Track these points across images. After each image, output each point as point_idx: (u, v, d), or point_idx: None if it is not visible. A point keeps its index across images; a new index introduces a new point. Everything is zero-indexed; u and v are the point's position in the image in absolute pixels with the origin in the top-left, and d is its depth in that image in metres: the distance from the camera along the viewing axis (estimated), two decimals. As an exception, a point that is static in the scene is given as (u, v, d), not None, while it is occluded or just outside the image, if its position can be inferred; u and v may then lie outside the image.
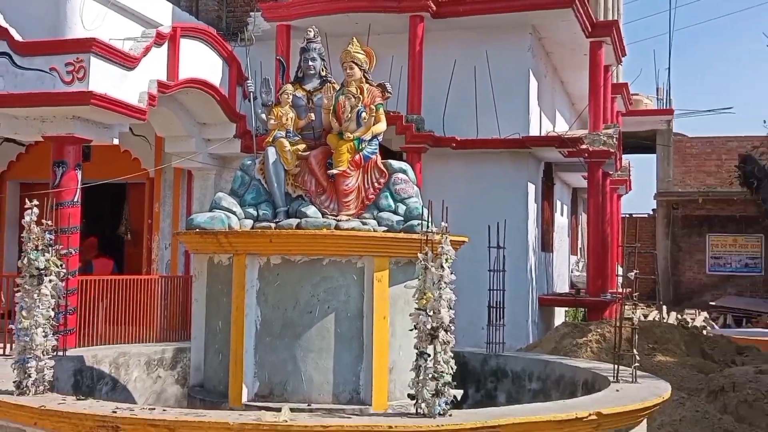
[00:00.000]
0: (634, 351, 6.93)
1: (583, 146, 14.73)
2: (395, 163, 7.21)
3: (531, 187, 15.00)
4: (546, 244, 16.75)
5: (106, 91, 10.28)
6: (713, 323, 21.89)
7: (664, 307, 23.10)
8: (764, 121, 43.34)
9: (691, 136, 28.23)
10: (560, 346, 10.75)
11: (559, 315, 17.27)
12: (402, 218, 6.78)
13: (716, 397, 8.77)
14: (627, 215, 27.32)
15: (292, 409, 5.15)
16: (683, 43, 73.41)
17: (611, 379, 6.70)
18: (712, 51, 79.08)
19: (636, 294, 8.25)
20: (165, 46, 11.68)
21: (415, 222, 6.56)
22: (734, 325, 22.10)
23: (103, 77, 10.30)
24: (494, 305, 8.51)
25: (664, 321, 18.15)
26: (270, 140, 7.11)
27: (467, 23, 14.61)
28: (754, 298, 24.73)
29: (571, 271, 20.81)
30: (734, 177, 18.65)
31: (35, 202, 5.71)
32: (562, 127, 18.18)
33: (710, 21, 69.86)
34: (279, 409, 5.24)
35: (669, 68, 40.67)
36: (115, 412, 4.97)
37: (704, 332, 14.46)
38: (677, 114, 27.52)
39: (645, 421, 6.34)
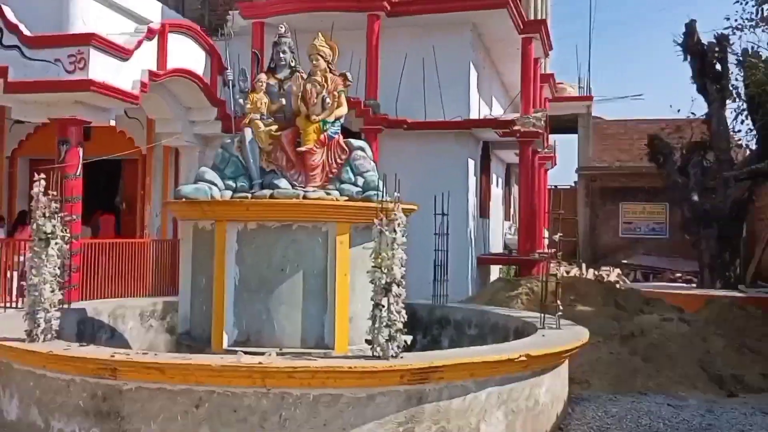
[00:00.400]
0: (558, 302, 7.06)
1: (516, 127, 14.82)
2: (355, 142, 7.21)
3: (471, 163, 15.07)
4: (484, 211, 16.88)
5: (104, 79, 10.19)
6: (625, 279, 22.21)
7: (584, 265, 23.37)
8: (670, 106, 43.96)
9: (608, 118, 28.36)
10: (495, 298, 10.74)
11: (494, 272, 17.44)
12: (361, 189, 6.80)
13: (627, 341, 8.83)
14: (552, 187, 27.48)
15: (264, 354, 5.17)
16: (602, 38, 73.87)
17: (538, 326, 6.81)
18: (627, 46, 79.77)
19: (560, 254, 8.41)
20: (155, 40, 11.50)
21: (372, 192, 6.59)
22: (642, 280, 22.43)
23: (101, 67, 10.18)
24: (439, 264, 8.58)
25: (584, 277, 18.43)
26: (247, 122, 7.08)
27: (417, 21, 14.55)
28: (659, 257, 25.07)
29: (505, 235, 20.96)
30: (644, 154, 18.85)
31: (42, 175, 5.66)
32: (497, 111, 18.25)
33: (626, 20, 70.43)
34: (256, 353, 5.28)
35: (589, 61, 41.01)
36: (113, 356, 4.97)
37: (617, 286, 14.69)
38: (596, 100, 27.71)
39: (567, 361, 6.48)
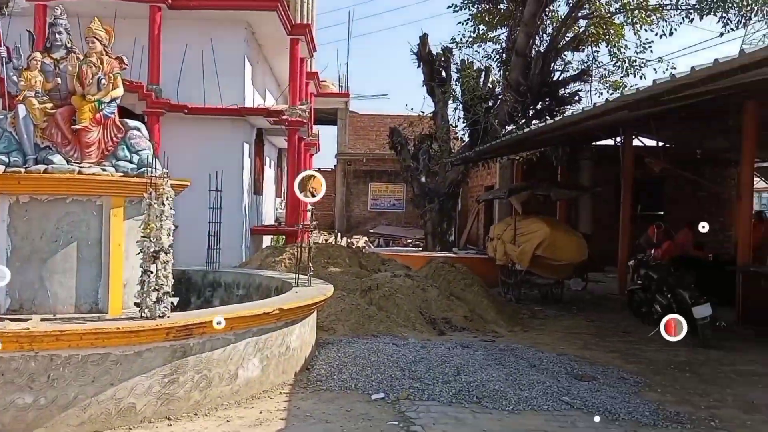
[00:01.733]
0: (310, 264, 7.18)
1: (284, 116, 14.72)
2: (131, 122, 6.68)
3: (246, 146, 14.74)
4: (258, 189, 16.62)
5: None
6: (371, 244, 23.19)
7: (339, 234, 24.06)
8: (406, 104, 46.42)
9: (361, 113, 29.25)
10: (264, 263, 10.64)
11: (267, 240, 17.30)
12: (136, 166, 6.34)
13: (366, 293, 9.19)
14: (316, 169, 27.94)
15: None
16: (359, 46, 75.82)
17: (294, 284, 6.87)
18: (379, 53, 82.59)
19: (315, 224, 8.49)
20: (-76, 12, 9.76)
21: (146, 169, 6.18)
22: (384, 245, 23.51)
23: None
24: (213, 234, 8.31)
25: (337, 243, 18.87)
26: (21, 99, 6.26)
27: (197, 15, 13.84)
28: (397, 226, 26.52)
29: (276, 209, 20.90)
30: (386, 143, 19.71)
31: None
32: (270, 101, 18.01)
33: (379, 31, 73.03)
34: (28, 320, 4.74)
35: (348, 63, 42.22)
36: None
37: (363, 250, 15.23)
38: (352, 97, 28.45)
39: (315, 312, 6.60)
